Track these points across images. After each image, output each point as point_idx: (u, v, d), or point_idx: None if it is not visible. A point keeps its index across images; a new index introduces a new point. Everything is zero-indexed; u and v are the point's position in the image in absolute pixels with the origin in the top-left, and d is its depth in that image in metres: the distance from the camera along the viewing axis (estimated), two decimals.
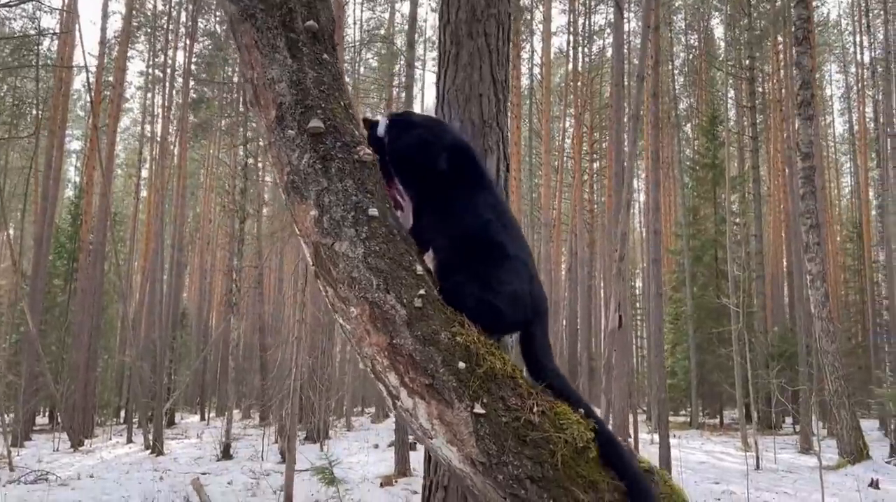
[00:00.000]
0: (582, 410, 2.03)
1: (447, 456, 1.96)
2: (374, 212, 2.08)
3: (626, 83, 17.31)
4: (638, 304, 37.75)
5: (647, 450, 16.29)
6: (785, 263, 29.43)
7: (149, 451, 15.75)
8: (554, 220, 31.83)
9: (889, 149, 27.11)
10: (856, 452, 13.47)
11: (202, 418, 29.52)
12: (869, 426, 20.51)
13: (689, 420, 26.64)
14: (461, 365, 1.95)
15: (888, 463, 14.20)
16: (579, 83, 32.34)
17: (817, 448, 12.03)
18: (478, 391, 1.94)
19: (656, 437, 19.68)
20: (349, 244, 2.03)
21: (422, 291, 2.02)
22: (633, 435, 14.46)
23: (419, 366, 1.94)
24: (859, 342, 29.43)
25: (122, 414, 26.75)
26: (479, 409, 1.92)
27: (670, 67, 32.40)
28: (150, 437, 16.25)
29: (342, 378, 24.93)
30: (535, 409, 1.98)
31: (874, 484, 10.96)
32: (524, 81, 30.88)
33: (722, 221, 25.60)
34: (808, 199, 13.87)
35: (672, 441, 19.44)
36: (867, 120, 34.20)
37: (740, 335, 16.99)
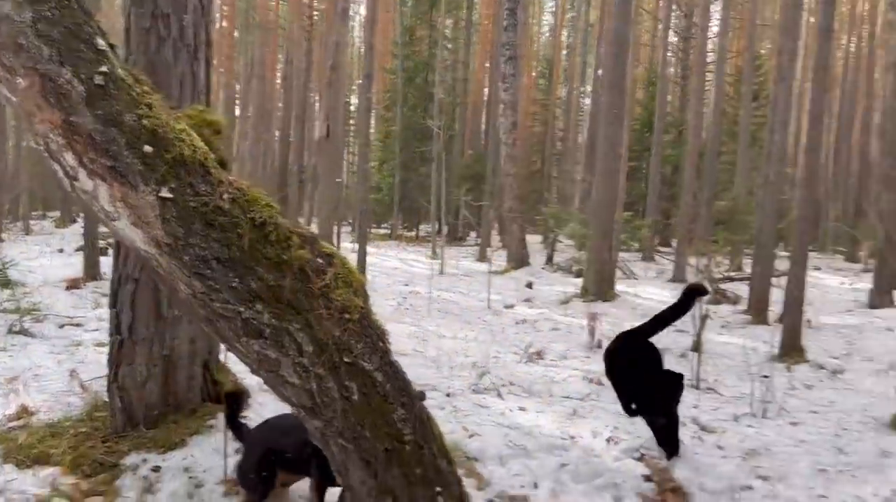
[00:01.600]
0: None
1: (131, 238, 1.96)
2: None
3: None
4: (352, 121, 38.24)
5: (348, 257, 17.39)
6: (486, 92, 31.64)
7: None
8: (272, 23, 30.04)
9: None
10: (520, 260, 15.85)
11: None
12: (537, 240, 24.11)
13: (390, 232, 28.70)
14: (147, 148, 1.91)
15: (544, 268, 16.95)
16: None
17: (488, 255, 13.94)
18: (165, 176, 1.93)
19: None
20: (14, 5, 1.80)
21: (104, 68, 1.89)
22: (337, 244, 15.27)
23: (100, 147, 1.86)
24: (538, 169, 33.54)
25: None
26: (166, 194, 1.93)
27: None
28: None
29: (17, 177, 22.04)
30: (224, 196, 2.05)
31: (529, 285, 13.14)
32: None
33: (435, 45, 26.44)
34: (510, 31, 14.88)
35: (372, 249, 20.93)
36: None
37: (440, 156, 18.33)
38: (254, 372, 2.21)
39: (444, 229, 21.81)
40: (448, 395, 5.14)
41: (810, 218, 7.15)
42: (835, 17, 7.90)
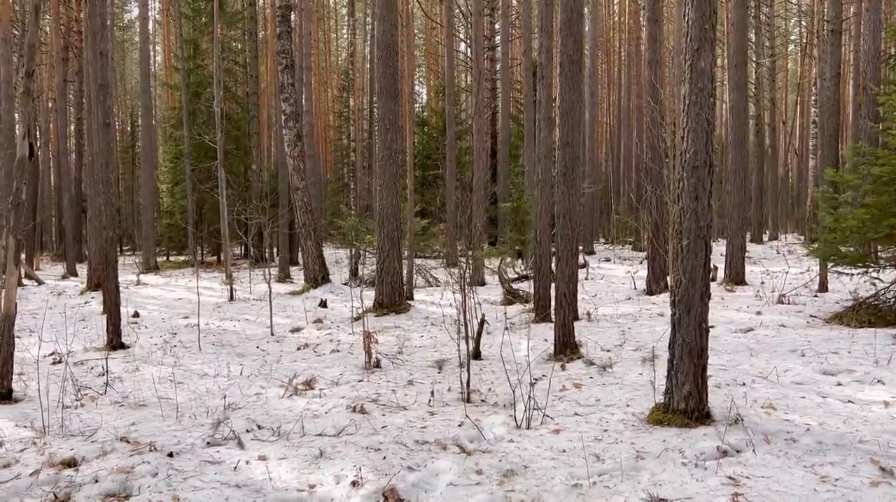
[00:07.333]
0: None
1: None
2: None
3: None
4: (139, 143, 35.32)
5: (130, 291, 15.68)
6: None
7: None
8: None
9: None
10: (318, 277, 15.09)
11: None
12: (337, 254, 23.41)
13: (189, 259, 26.61)
14: None
15: (346, 284, 16.25)
16: None
17: (269, 275, 13.00)
18: None
19: (145, 278, 19.22)
20: None
21: None
22: (112, 279, 13.57)
23: None
24: (340, 177, 32.86)
25: None
26: None
27: None
28: None
29: None
30: None
31: (323, 304, 12.44)
32: None
33: (221, 58, 24.90)
34: (283, 39, 14.10)
35: (160, 280, 19.25)
36: None
37: (229, 176, 17.12)
38: None
39: (252, 252, 20.60)
40: (171, 455, 4.32)
41: (571, 213, 7.11)
42: (584, 12, 7.95)
